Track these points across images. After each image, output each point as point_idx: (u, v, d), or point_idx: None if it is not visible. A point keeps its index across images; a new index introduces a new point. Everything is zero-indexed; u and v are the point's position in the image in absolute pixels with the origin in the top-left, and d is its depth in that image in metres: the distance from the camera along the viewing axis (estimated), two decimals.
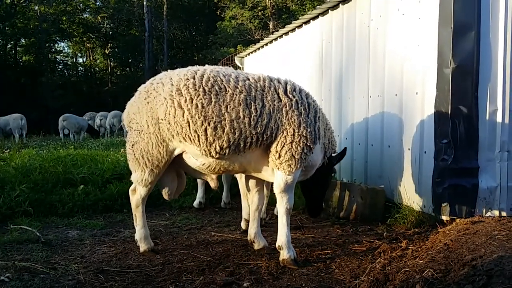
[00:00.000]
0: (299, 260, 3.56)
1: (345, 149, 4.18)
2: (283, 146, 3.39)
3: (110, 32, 38.47)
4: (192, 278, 3.24)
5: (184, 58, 36.88)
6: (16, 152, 8.27)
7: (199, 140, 3.35)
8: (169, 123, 3.40)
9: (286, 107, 3.41)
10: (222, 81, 3.40)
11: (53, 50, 37.96)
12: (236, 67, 10.85)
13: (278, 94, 3.45)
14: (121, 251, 3.95)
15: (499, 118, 4.31)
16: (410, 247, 3.71)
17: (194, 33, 39.59)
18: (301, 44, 7.48)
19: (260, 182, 3.96)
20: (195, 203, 5.80)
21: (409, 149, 4.78)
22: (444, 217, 4.31)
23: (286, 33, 8.16)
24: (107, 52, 38.94)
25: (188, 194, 6.03)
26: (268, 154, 3.48)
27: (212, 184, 3.90)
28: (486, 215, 4.30)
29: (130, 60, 40.48)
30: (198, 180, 5.77)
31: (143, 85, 3.70)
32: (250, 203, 4.08)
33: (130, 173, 3.83)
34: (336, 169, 4.99)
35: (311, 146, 3.46)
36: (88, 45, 40.00)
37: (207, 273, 3.34)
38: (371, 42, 5.45)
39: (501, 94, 4.30)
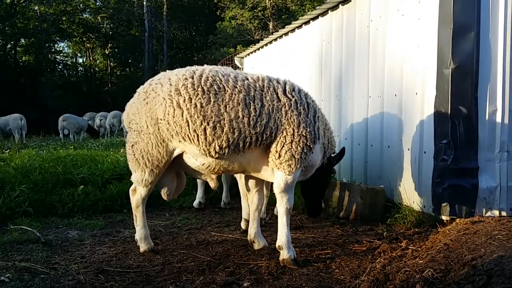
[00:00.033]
0: (299, 260, 3.56)
1: (343, 149, 4.18)
2: (283, 146, 3.40)
3: (110, 32, 38.48)
4: (192, 278, 3.25)
5: (184, 59, 36.89)
6: (16, 152, 8.27)
7: (198, 140, 3.35)
8: (168, 123, 3.41)
9: (285, 107, 3.42)
10: (221, 80, 3.41)
11: (53, 50, 37.96)
12: (235, 68, 10.86)
13: (277, 94, 3.46)
14: (121, 251, 3.95)
15: (498, 119, 4.32)
16: (410, 247, 3.71)
17: (194, 33, 39.60)
18: (301, 45, 7.48)
19: (260, 182, 3.96)
20: (195, 203, 5.80)
21: (408, 149, 4.78)
22: (444, 217, 4.31)
23: (286, 34, 8.16)
24: (107, 52, 38.95)
25: (188, 194, 6.04)
26: (267, 154, 3.48)
27: (212, 184, 3.90)
28: (486, 215, 4.30)
29: (130, 60, 40.49)
30: (198, 180, 5.77)
31: (142, 86, 3.71)
32: (250, 203, 4.08)
33: (130, 174, 3.83)
34: (335, 170, 4.99)
35: (311, 146, 3.46)
36: (88, 45, 40.01)
37: (207, 273, 3.34)
38: (371, 43, 5.45)
39: (501, 95, 4.30)
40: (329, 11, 6.40)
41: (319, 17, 6.74)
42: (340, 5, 6.12)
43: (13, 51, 35.10)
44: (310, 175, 3.83)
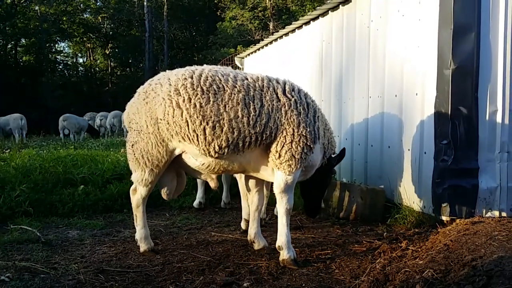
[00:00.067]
0: (299, 260, 3.56)
1: (343, 149, 4.17)
2: (283, 146, 3.40)
3: (111, 33, 38.49)
4: (192, 278, 3.25)
5: (184, 59, 36.89)
6: (16, 152, 8.27)
7: (198, 140, 3.35)
8: (168, 123, 3.41)
9: (285, 107, 3.42)
10: (221, 80, 3.41)
11: (54, 50, 37.99)
12: (236, 68, 10.86)
13: (276, 94, 3.46)
14: (121, 251, 3.95)
15: (499, 119, 4.32)
16: (410, 248, 3.71)
17: (194, 33, 39.61)
18: (301, 45, 7.49)
19: (260, 182, 3.96)
20: (195, 203, 5.80)
21: (409, 150, 4.78)
22: (444, 218, 4.31)
23: (286, 34, 8.17)
24: (107, 52, 38.97)
25: (188, 194, 6.04)
26: (267, 154, 3.48)
27: (212, 184, 3.91)
28: (486, 215, 4.30)
29: (130, 61, 40.51)
30: (198, 180, 5.77)
31: (142, 86, 3.71)
32: (250, 203, 4.08)
33: (130, 173, 3.83)
34: (335, 170, 4.99)
35: (311, 146, 3.46)
36: (89, 45, 40.02)
37: (207, 273, 3.34)
38: (371, 43, 5.46)
39: (501, 95, 4.30)
40: (330, 11, 6.40)
41: (320, 17, 6.74)
42: (340, 5, 6.12)
43: (13, 51, 35.13)
44: (310, 175, 3.83)
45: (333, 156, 4.05)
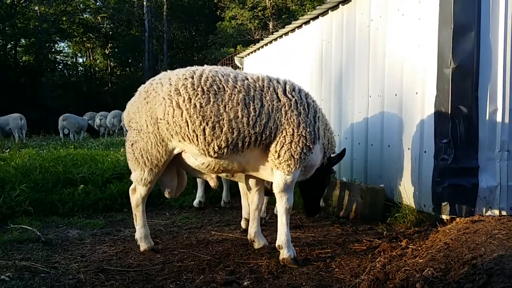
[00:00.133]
0: (299, 259, 3.56)
1: (344, 150, 4.17)
2: (282, 146, 3.39)
3: (110, 32, 38.48)
4: (192, 277, 3.25)
5: (184, 58, 36.90)
6: (16, 152, 8.27)
7: (197, 140, 3.35)
8: (168, 123, 3.41)
9: (285, 107, 3.41)
10: (221, 80, 3.41)
11: (53, 50, 37.95)
12: (235, 67, 10.86)
13: (277, 94, 3.45)
14: (121, 250, 3.95)
15: (499, 118, 4.32)
16: (410, 246, 3.72)
17: (194, 33, 39.60)
18: (301, 45, 7.48)
19: (260, 182, 3.96)
20: (195, 203, 5.80)
21: (409, 149, 4.78)
22: (444, 216, 4.31)
23: (286, 34, 8.17)
24: (107, 52, 38.96)
25: (188, 193, 6.04)
26: (267, 154, 3.48)
27: (212, 183, 3.91)
28: (486, 214, 4.31)
29: (130, 60, 40.50)
30: (198, 180, 5.78)
31: (142, 85, 3.71)
32: (250, 202, 4.08)
33: (130, 173, 3.83)
34: (335, 170, 4.99)
35: (311, 146, 3.46)
36: (88, 45, 40.01)
37: (207, 272, 3.34)
38: (371, 42, 5.46)
39: (501, 94, 4.30)
40: (329, 10, 6.40)
41: (319, 16, 6.74)
42: (340, 4, 6.12)
43: (13, 51, 35.11)
44: (310, 175, 3.83)
45: (332, 156, 4.05)
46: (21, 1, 34.64)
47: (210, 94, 3.34)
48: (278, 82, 3.55)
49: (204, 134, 3.32)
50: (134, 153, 3.63)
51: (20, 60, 35.83)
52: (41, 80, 32.72)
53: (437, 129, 4.33)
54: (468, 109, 4.25)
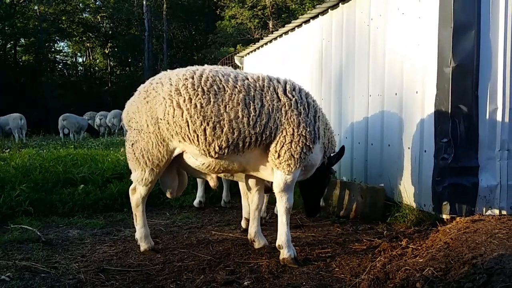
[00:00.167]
0: (299, 259, 3.56)
1: (343, 147, 4.16)
2: (283, 145, 3.39)
3: (110, 32, 38.46)
4: (192, 277, 3.25)
5: (183, 58, 36.88)
6: (16, 151, 8.27)
7: (198, 140, 3.34)
8: (168, 123, 3.40)
9: (285, 107, 3.41)
10: (221, 80, 3.40)
11: (53, 49, 37.93)
12: (235, 67, 10.86)
13: (277, 93, 3.45)
14: (121, 250, 3.95)
15: (499, 117, 4.32)
16: (410, 246, 3.72)
17: (193, 32, 39.58)
18: (301, 44, 7.48)
19: (260, 181, 3.96)
20: (195, 202, 5.80)
21: (409, 148, 4.78)
22: (444, 216, 4.31)
23: (286, 33, 8.16)
24: (106, 51, 38.94)
25: (188, 193, 6.03)
26: (267, 154, 3.47)
27: (212, 183, 3.91)
28: (486, 213, 4.31)
29: (129, 60, 40.48)
30: (198, 179, 5.77)
31: (142, 85, 3.70)
32: (250, 202, 4.08)
33: (130, 173, 3.83)
34: (335, 170, 4.99)
35: (311, 146, 3.45)
36: (88, 44, 39.98)
37: (207, 272, 3.34)
38: (371, 41, 5.45)
39: (501, 93, 4.30)
40: (329, 9, 6.40)
41: (319, 15, 6.73)
42: (340, 3, 6.12)
43: (13, 51, 35.09)
44: (310, 175, 3.83)
45: (332, 155, 4.04)
46: (21, 1, 34.60)
47: (211, 94, 3.33)
48: (278, 81, 3.54)
49: (205, 134, 3.31)
50: (134, 153, 3.63)
51: (20, 60, 35.81)
52: (41, 79, 32.70)
53: (437, 128, 4.33)
54: (468, 108, 4.24)
